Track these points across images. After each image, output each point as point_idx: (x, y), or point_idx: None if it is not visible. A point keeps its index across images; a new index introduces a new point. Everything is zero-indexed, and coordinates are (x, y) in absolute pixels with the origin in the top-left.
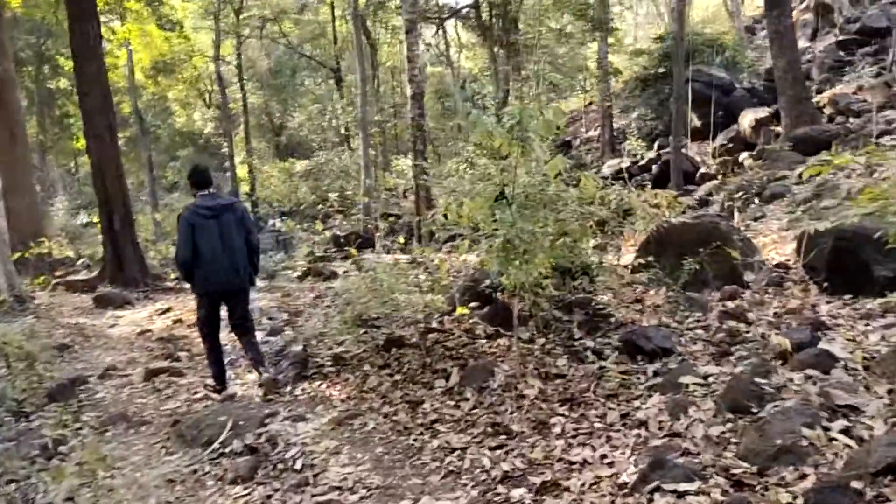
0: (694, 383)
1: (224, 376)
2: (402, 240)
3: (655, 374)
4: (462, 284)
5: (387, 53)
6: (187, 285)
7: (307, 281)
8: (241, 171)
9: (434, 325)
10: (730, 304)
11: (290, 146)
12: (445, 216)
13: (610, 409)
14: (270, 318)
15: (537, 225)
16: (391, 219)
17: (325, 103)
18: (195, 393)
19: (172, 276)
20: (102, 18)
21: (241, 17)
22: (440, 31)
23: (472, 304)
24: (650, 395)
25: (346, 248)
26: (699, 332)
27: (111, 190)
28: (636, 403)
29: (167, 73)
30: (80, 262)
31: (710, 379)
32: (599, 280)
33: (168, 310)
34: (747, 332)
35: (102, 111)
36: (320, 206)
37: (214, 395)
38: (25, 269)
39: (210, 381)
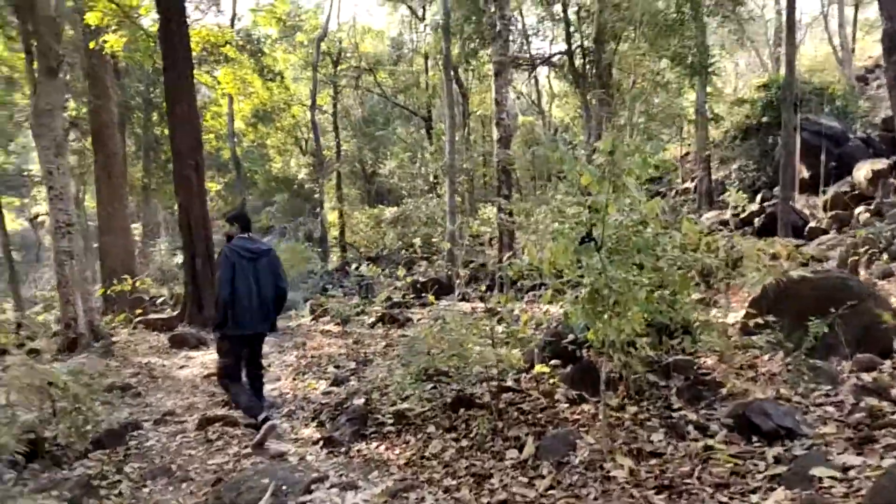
0: (830, 477)
1: (259, 405)
2: (483, 288)
3: (777, 460)
4: (543, 339)
5: (477, 102)
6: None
7: (380, 327)
8: (332, 216)
9: (509, 383)
10: (866, 377)
11: (379, 193)
12: (524, 259)
13: (720, 502)
14: (337, 367)
15: (631, 273)
16: (473, 266)
17: (416, 151)
18: (245, 446)
19: None
20: (206, 68)
21: (338, 68)
22: (531, 79)
23: (554, 362)
24: (772, 488)
25: (424, 295)
26: (829, 409)
27: (195, 230)
28: (754, 498)
29: (266, 121)
30: (169, 300)
31: (852, 473)
32: (703, 340)
33: None
34: (893, 413)
35: (191, 153)
36: (405, 252)
37: (261, 451)
38: (112, 307)
39: (250, 421)
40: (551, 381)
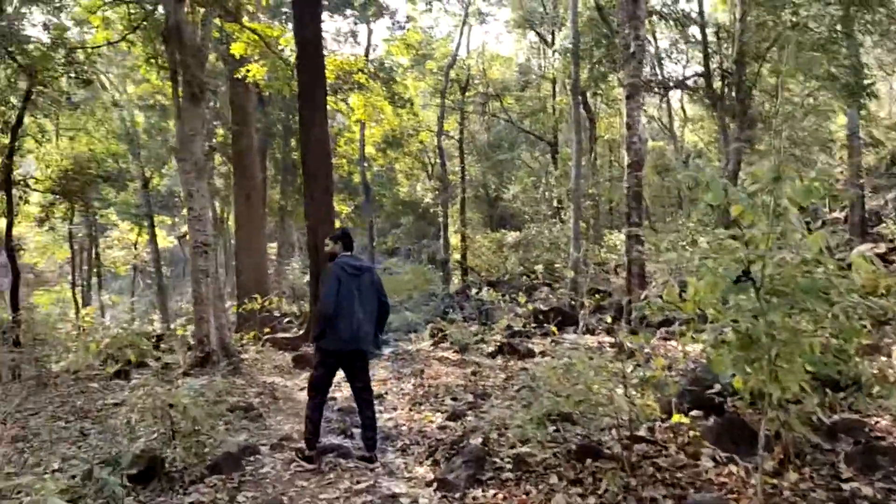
0: None
1: (315, 442)
2: (609, 319)
3: None
4: (681, 384)
5: (605, 127)
6: (385, 351)
7: (500, 358)
8: (454, 240)
9: (642, 433)
10: None
11: (502, 217)
12: (662, 297)
13: None
14: (454, 399)
15: (803, 319)
16: (598, 295)
17: (540, 176)
18: (358, 482)
19: None
20: (340, 95)
21: (466, 94)
22: (663, 104)
23: (694, 413)
24: None
25: (545, 325)
26: None
27: (321, 252)
28: None
29: (395, 147)
30: (295, 319)
31: None
32: (877, 397)
33: None
34: None
35: (321, 175)
36: (527, 278)
37: (306, 464)
38: (245, 324)
39: (301, 445)
40: (691, 433)
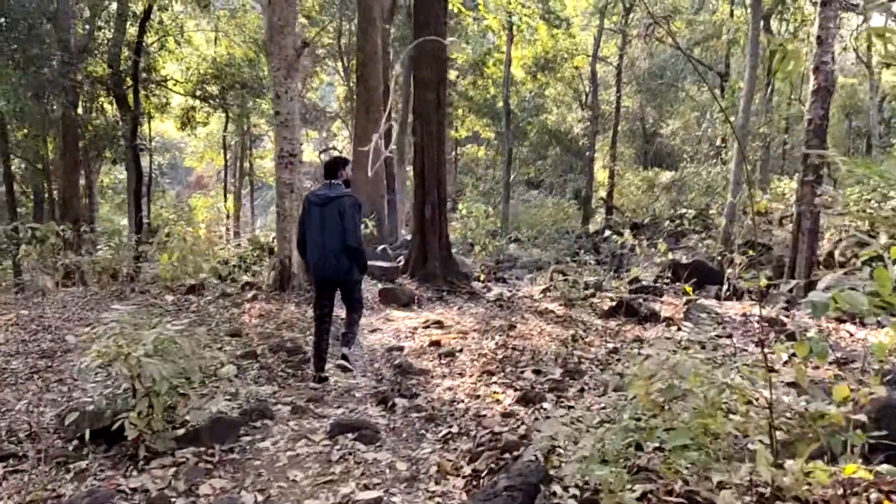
0: None
1: (322, 366)
2: (763, 281)
3: None
4: (866, 407)
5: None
6: (490, 292)
7: (614, 318)
8: (601, 176)
9: (797, 496)
10: None
11: (657, 155)
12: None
13: None
14: (537, 373)
15: None
16: (754, 250)
17: (705, 111)
18: (365, 486)
19: (482, 276)
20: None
21: (630, 16)
22: (860, 28)
23: (887, 467)
24: None
25: (681, 281)
26: None
27: (428, 173)
28: None
29: (547, 71)
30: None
31: None
32: None
33: (438, 323)
34: None
35: (432, 87)
36: (673, 223)
37: (315, 385)
38: None
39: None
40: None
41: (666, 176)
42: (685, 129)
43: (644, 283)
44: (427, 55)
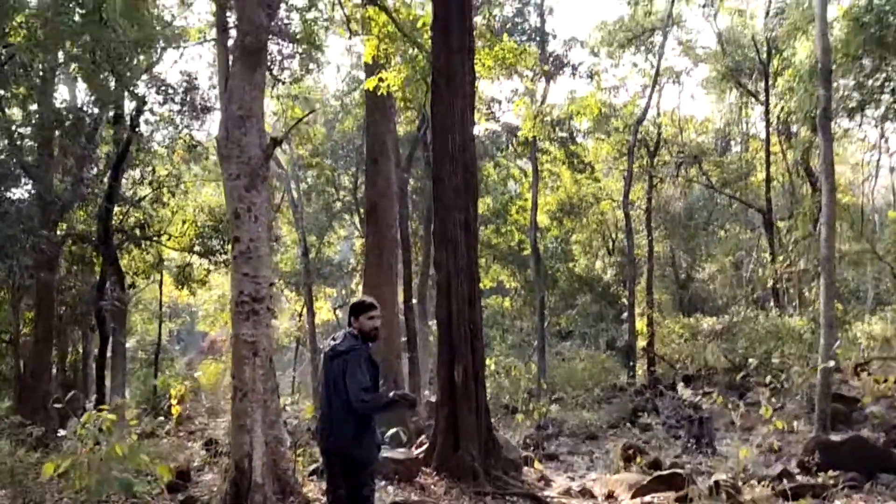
0: None
1: None
2: None
3: None
4: None
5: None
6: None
7: None
8: (639, 324)
9: None
10: None
11: (693, 300)
12: None
13: None
14: None
15: None
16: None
17: (744, 252)
18: None
19: (538, 465)
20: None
21: (655, 159)
22: None
23: None
24: None
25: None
26: None
27: (457, 323)
28: None
29: (572, 216)
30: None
31: None
32: None
33: None
34: None
35: (459, 203)
36: (734, 374)
37: None
38: None
39: None
40: None
41: (709, 322)
42: (722, 272)
43: (769, 471)
44: (450, 159)
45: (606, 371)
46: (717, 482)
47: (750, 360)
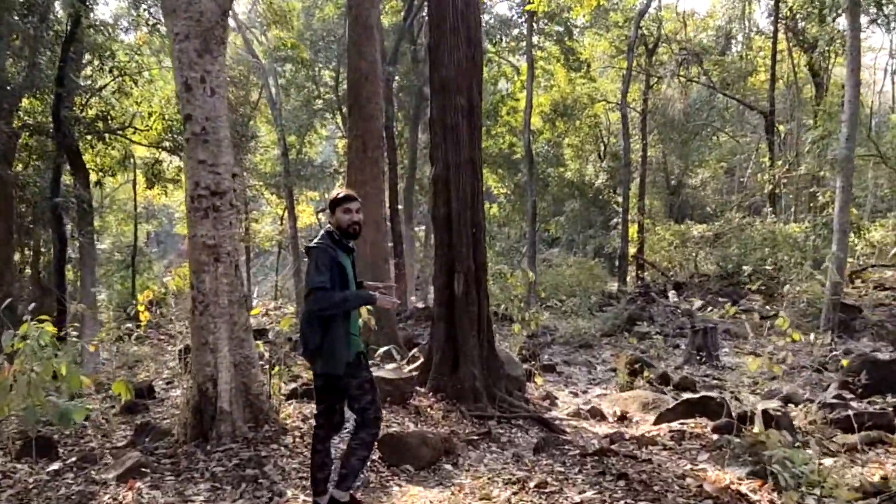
0: None
1: (320, 486)
2: None
3: None
4: None
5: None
6: (556, 409)
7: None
8: (630, 231)
9: None
10: None
11: (682, 208)
12: None
13: None
14: None
15: None
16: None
17: (741, 157)
18: None
19: (540, 381)
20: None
21: (653, 58)
22: None
23: None
24: None
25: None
26: None
27: (457, 225)
28: None
29: (566, 118)
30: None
31: None
32: None
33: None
34: None
35: (462, 87)
36: (725, 281)
37: None
38: None
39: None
40: None
41: (699, 229)
42: (714, 178)
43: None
44: (451, 30)
45: (595, 278)
46: (765, 411)
47: (744, 266)
